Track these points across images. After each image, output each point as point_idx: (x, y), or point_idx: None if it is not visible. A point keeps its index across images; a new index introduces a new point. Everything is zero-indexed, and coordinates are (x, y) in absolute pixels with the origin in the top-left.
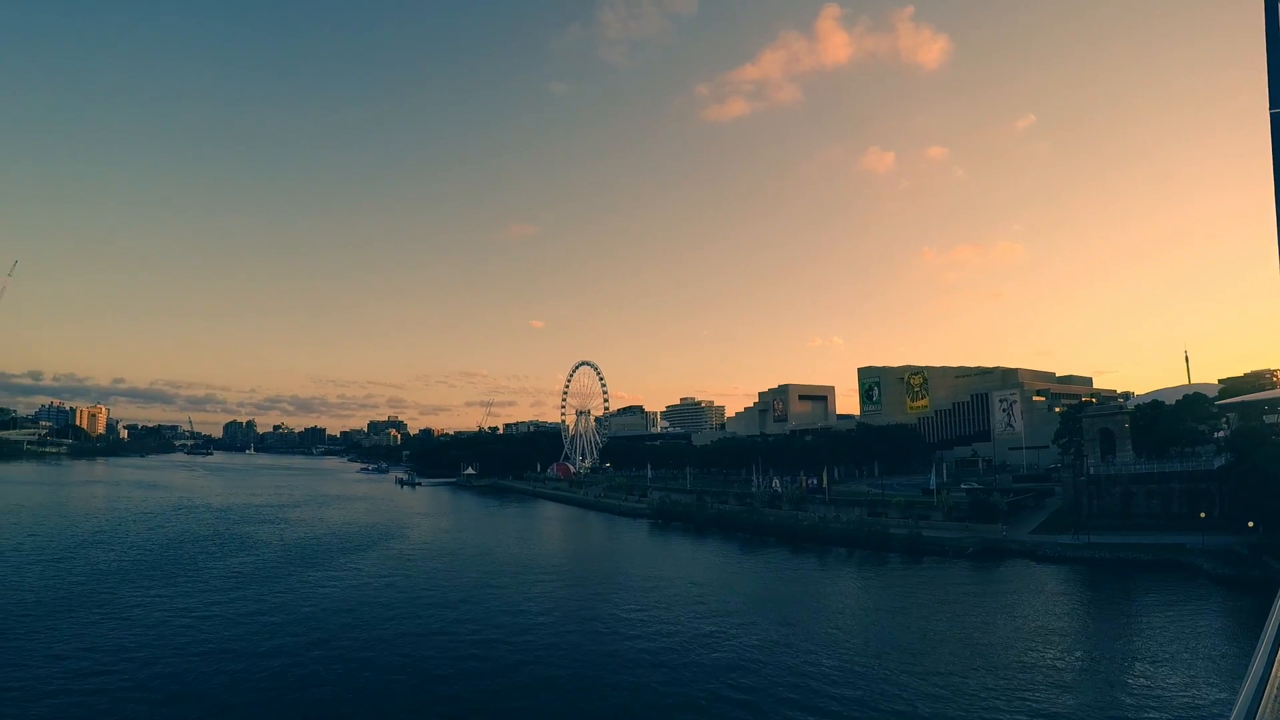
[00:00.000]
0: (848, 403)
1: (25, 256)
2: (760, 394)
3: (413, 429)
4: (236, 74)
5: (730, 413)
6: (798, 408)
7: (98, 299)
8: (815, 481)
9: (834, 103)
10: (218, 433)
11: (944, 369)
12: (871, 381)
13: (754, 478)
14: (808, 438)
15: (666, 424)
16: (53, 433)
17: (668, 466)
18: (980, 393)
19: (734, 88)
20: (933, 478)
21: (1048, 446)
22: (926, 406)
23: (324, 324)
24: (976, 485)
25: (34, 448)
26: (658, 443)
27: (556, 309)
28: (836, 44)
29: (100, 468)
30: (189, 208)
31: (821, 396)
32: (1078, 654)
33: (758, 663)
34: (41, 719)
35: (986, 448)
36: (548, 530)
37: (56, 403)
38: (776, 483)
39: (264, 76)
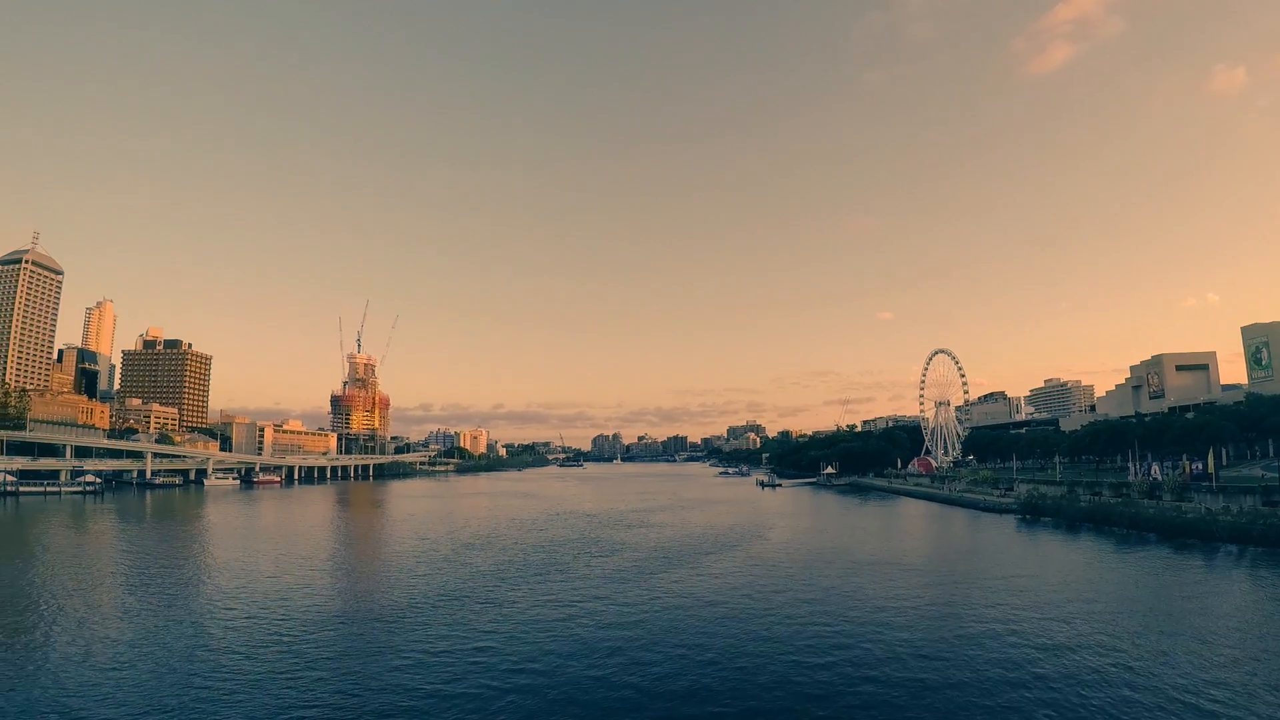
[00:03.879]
0: (1231, 370)
1: (409, 310)
2: (1131, 368)
3: (771, 431)
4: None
5: (1100, 392)
6: (1175, 380)
7: (477, 339)
8: (1200, 466)
9: (1163, 24)
10: (587, 446)
11: None
12: (1259, 342)
13: (1129, 464)
14: (1188, 414)
15: (1031, 409)
16: (441, 454)
17: (1034, 456)
18: None
19: (1052, 33)
20: None
21: None
22: None
23: (681, 338)
24: None
25: (426, 467)
26: (1022, 430)
27: (904, 299)
28: None
29: (482, 481)
30: (551, 242)
31: (1202, 365)
32: None
33: (1130, 683)
34: (436, 695)
35: None
36: (909, 528)
37: (443, 428)
38: (1155, 469)
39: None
